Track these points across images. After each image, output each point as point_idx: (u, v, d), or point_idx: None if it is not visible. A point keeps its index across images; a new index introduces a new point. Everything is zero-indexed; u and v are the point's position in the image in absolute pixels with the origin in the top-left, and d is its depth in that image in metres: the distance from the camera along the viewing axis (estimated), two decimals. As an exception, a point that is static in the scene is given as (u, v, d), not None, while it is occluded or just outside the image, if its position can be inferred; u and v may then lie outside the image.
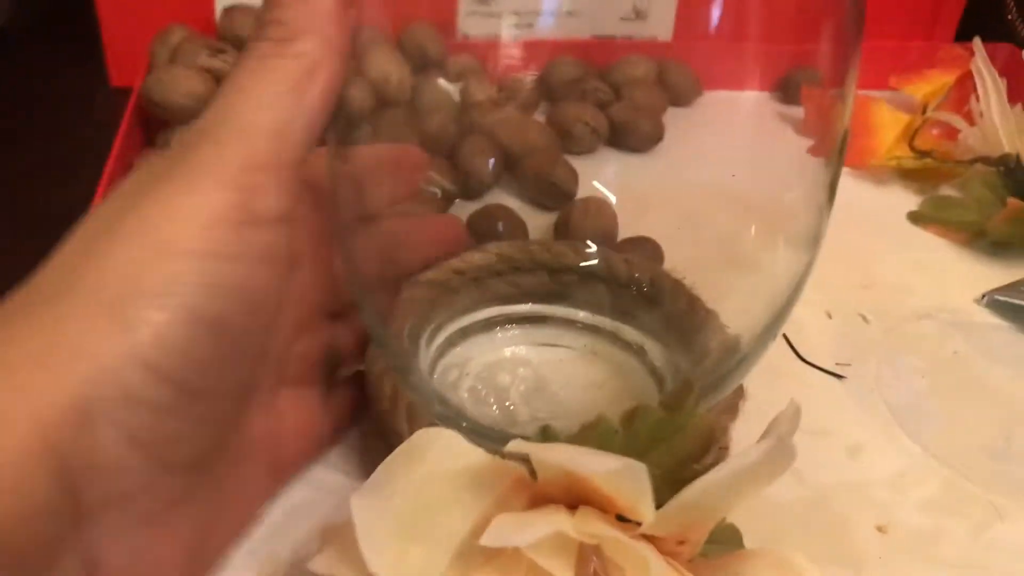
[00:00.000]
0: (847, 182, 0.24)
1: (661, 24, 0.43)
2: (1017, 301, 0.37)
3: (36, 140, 0.44)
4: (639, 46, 0.44)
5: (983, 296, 0.37)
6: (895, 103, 0.45)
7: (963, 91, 0.44)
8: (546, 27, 0.33)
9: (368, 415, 0.25)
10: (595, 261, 0.26)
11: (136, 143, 0.41)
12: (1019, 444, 0.30)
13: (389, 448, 0.23)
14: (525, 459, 0.19)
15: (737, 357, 0.22)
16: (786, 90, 0.45)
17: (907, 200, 0.43)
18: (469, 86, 0.48)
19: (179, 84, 0.40)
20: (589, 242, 0.26)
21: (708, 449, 0.19)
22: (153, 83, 0.40)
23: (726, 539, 0.20)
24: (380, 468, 0.19)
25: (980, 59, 0.42)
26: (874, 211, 0.42)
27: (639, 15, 0.44)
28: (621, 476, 0.17)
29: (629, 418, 0.19)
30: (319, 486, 0.25)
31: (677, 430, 0.19)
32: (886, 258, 0.39)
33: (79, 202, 0.37)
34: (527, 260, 0.26)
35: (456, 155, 0.33)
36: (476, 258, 0.26)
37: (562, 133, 0.39)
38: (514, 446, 0.18)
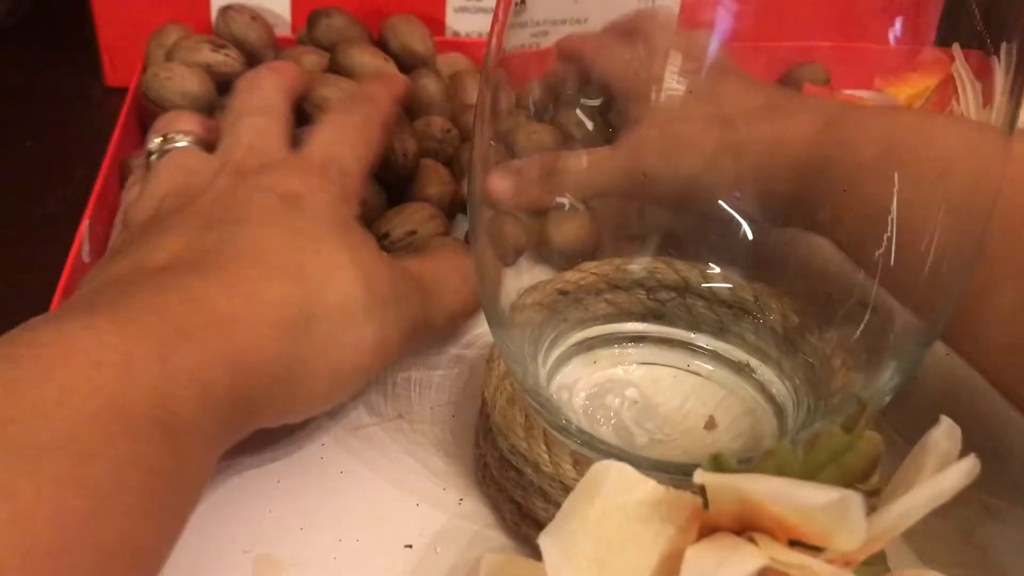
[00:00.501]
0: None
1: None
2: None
3: (30, 140, 0.43)
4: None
5: (975, 297, 0.38)
6: (881, 103, 0.47)
7: (944, 94, 0.46)
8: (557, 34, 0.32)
9: (487, 445, 0.24)
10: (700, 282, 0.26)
11: (132, 143, 0.39)
12: (1011, 444, 0.30)
13: (521, 476, 0.23)
14: (699, 488, 0.19)
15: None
16: (788, 87, 0.46)
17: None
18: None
19: (177, 81, 0.37)
20: (691, 262, 0.26)
21: (876, 468, 0.19)
22: (151, 79, 0.37)
23: (872, 560, 0.21)
24: (564, 506, 0.18)
25: (960, 65, 0.44)
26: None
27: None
28: (836, 507, 0.17)
29: (813, 442, 0.19)
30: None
31: (849, 450, 0.19)
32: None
33: (73, 203, 0.36)
34: (622, 279, 0.26)
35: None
36: (574, 277, 0.25)
37: (564, 137, 0.39)
38: (701, 478, 0.18)
